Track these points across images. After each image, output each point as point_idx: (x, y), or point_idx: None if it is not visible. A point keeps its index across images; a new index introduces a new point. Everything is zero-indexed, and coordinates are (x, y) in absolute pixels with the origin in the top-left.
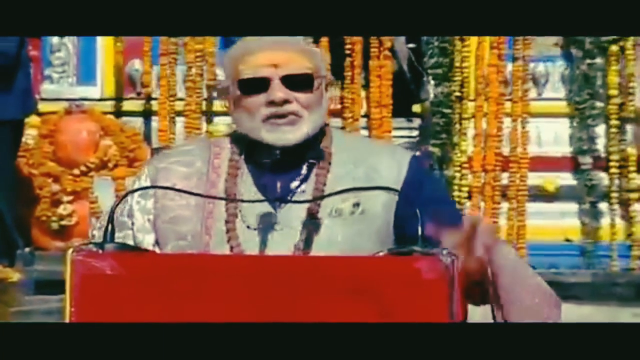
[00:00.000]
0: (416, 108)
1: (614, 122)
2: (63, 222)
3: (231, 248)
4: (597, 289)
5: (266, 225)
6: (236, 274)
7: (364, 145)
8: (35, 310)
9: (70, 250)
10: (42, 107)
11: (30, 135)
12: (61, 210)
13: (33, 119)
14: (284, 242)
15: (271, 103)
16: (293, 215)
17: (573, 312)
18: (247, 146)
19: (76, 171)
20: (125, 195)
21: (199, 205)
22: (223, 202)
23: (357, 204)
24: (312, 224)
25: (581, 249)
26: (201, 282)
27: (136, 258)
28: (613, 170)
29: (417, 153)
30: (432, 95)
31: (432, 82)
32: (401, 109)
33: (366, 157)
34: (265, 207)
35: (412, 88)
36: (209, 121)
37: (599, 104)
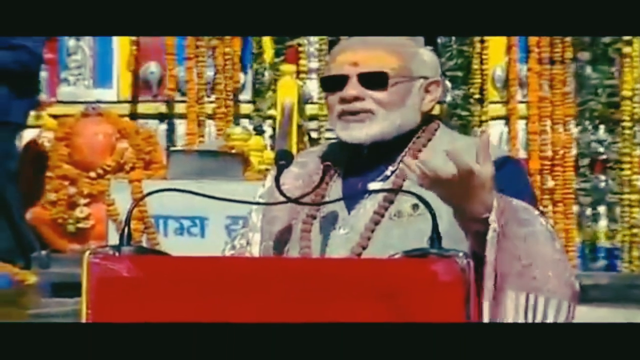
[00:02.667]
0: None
1: (627, 123)
2: (80, 225)
3: (301, 249)
4: (615, 291)
5: (334, 228)
6: (253, 276)
7: (460, 147)
8: (52, 313)
9: (87, 253)
10: (59, 109)
11: (46, 138)
12: (78, 212)
13: (49, 122)
14: (347, 245)
15: (343, 100)
16: (361, 218)
17: (589, 315)
18: (341, 147)
19: (92, 174)
20: (142, 198)
21: (291, 208)
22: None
23: (417, 205)
24: (372, 226)
25: (581, 251)
26: (218, 284)
27: (153, 260)
28: (626, 172)
29: (508, 156)
30: (449, 98)
31: (450, 84)
32: None
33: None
34: (339, 210)
35: None
36: (237, 124)
37: (599, 106)
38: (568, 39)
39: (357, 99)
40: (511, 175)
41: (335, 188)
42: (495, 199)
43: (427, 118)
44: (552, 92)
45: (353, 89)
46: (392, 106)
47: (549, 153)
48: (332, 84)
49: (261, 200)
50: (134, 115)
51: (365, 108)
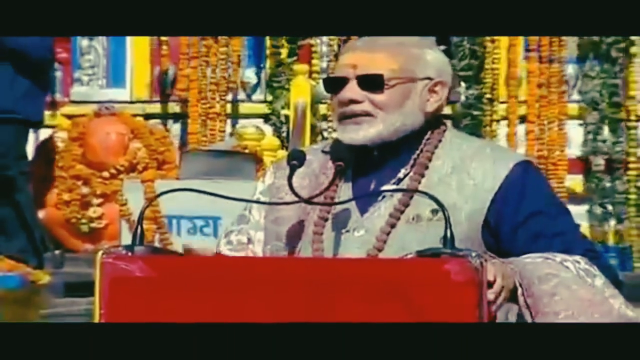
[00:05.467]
0: (446, 110)
1: (634, 123)
2: (93, 225)
3: (313, 251)
4: (629, 290)
5: (348, 230)
6: (266, 276)
7: (472, 150)
8: (64, 313)
9: (100, 253)
10: (72, 109)
11: (60, 138)
12: (91, 212)
13: (63, 122)
14: (363, 247)
15: (341, 103)
16: (376, 220)
17: None
18: (348, 146)
19: (105, 174)
20: (155, 198)
21: (300, 208)
22: (320, 205)
23: (436, 211)
24: (388, 229)
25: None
26: (231, 284)
27: (166, 260)
28: (632, 172)
29: (527, 160)
30: (462, 98)
31: (463, 84)
32: None
33: (467, 163)
34: (352, 212)
35: None
36: (235, 123)
37: (603, 106)
38: (565, 38)
39: (353, 101)
40: (533, 180)
41: (345, 189)
42: (515, 278)
43: (435, 119)
44: (548, 91)
45: (350, 91)
46: (390, 108)
47: (545, 152)
48: (334, 85)
49: (261, 197)
50: (147, 115)
51: (363, 111)
